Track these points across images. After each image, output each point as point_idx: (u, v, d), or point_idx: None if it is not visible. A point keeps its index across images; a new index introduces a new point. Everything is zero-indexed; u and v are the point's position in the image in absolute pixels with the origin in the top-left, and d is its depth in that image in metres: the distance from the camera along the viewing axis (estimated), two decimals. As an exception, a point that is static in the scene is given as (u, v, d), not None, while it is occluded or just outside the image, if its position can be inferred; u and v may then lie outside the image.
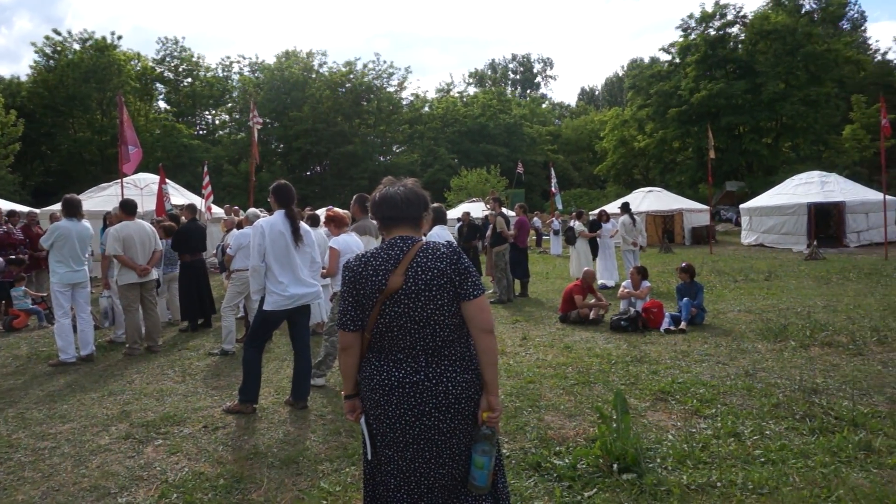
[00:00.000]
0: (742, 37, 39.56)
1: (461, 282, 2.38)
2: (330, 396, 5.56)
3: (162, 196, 13.78)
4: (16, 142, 33.32)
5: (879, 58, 45.61)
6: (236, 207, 14.88)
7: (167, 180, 14.77)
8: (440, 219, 5.86)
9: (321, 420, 4.91)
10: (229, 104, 53.41)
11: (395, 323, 2.33)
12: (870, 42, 49.82)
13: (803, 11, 39.55)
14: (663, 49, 44.06)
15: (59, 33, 43.42)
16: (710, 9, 39.83)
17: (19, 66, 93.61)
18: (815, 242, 18.45)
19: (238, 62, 54.18)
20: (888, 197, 19.43)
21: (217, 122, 55.10)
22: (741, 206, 25.45)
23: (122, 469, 4.03)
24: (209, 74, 52.61)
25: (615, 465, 3.81)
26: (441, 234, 5.64)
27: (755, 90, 36.54)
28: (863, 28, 50.85)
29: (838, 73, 37.33)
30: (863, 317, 8.42)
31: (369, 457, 2.44)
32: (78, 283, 7.11)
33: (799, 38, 35.76)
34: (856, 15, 50.96)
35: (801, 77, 35.68)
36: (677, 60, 41.92)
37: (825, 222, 22.46)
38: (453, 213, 23.25)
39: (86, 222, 7.47)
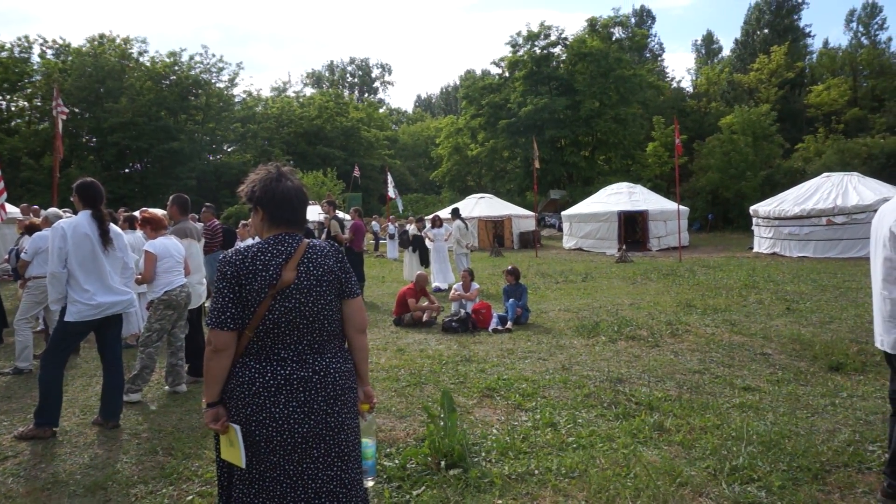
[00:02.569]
0: (563, 57, 42.94)
1: (346, 280, 2.48)
2: (146, 413, 5.13)
3: (-62, 192, 11.86)
4: None
5: (675, 85, 51.93)
6: (36, 207, 13.19)
7: (-54, 174, 12.75)
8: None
9: (135, 439, 4.52)
10: (29, 90, 47.11)
11: (283, 319, 2.28)
12: (667, 70, 56.57)
13: (614, 39, 43.91)
14: (494, 63, 46.56)
15: None
16: (535, 29, 42.81)
17: None
18: (623, 247, 20.50)
19: (39, 42, 47.80)
20: (681, 207, 22.22)
21: (14, 108, 48.33)
22: (563, 213, 27.57)
23: None
24: (4, 55, 46.05)
25: (443, 463, 3.93)
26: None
27: (575, 107, 39.88)
28: (661, 58, 57.63)
29: (642, 95, 41.93)
30: (660, 312, 9.50)
31: (243, 465, 2.27)
32: None
33: (611, 62, 39.64)
34: (655, 45, 57.71)
35: (612, 97, 39.55)
36: (507, 74, 44.46)
37: (632, 228, 25.06)
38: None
39: None
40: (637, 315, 9.32)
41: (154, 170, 46.23)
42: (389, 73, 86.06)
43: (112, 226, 4.67)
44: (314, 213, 22.91)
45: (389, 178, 22.36)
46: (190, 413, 5.11)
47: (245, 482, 2.31)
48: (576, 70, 41.37)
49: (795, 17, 49.62)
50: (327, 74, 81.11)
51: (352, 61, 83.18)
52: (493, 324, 8.55)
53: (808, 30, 50.63)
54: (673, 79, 54.82)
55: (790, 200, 19.43)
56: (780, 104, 40.58)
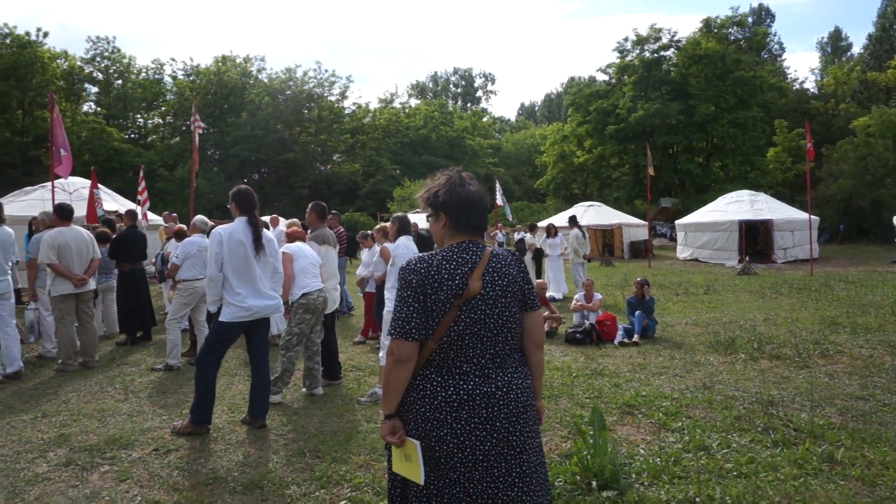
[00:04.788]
0: (676, 60, 41.18)
1: (529, 291, 2.37)
2: (289, 414, 5.29)
3: (93, 201, 13.01)
4: (-74, 140, 30.83)
5: (798, 86, 48.46)
6: (175, 214, 14.19)
7: (98, 185, 13.98)
8: (405, 229, 5.71)
9: (282, 440, 4.65)
10: (163, 108, 51.44)
11: (468, 331, 2.19)
12: (788, 71, 52.90)
13: (731, 39, 41.60)
14: (601, 70, 45.45)
15: (-26, 27, 40.68)
16: (644, 32, 41.40)
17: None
18: (747, 258, 19.25)
19: (170, 64, 52.16)
20: (812, 216, 20.58)
21: (150, 125, 52.94)
22: (677, 221, 26.33)
23: (65, 500, 3.66)
24: (141, 76, 50.59)
25: (594, 482, 3.75)
26: (408, 246, 5.48)
27: (688, 111, 38.06)
28: (781, 58, 54.04)
29: (763, 98, 39.35)
30: (801, 330, 8.76)
31: (420, 482, 2.20)
32: (1, 294, 6.52)
33: (728, 63, 37.52)
34: (775, 45, 54.19)
35: (729, 101, 37.40)
36: (614, 81, 43.26)
37: (754, 239, 23.51)
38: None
39: (7, 228, 6.83)
40: (776, 332, 8.65)
41: (271, 179, 48.90)
42: (492, 83, 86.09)
43: (265, 231, 4.86)
44: (422, 221, 23.23)
45: (498, 186, 22.22)
46: (330, 416, 5.21)
47: (422, 498, 2.24)
48: (689, 73, 39.50)
49: (942, 7, 44.92)
50: (431, 85, 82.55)
51: (455, 71, 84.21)
52: (619, 336, 8.21)
53: (957, 21, 45.63)
54: (795, 80, 51.30)
55: (943, 209, 17.47)
56: (925, 104, 36.76)
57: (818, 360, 6.99)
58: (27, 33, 41.41)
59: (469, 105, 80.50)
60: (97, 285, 8.55)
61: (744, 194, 24.37)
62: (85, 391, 6.05)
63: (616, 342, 8.14)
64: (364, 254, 8.64)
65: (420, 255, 2.29)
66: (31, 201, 15.14)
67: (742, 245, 21.59)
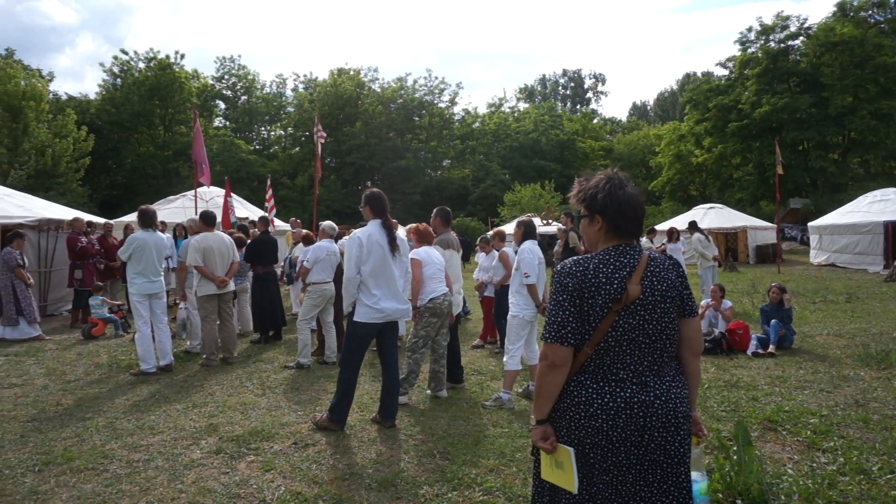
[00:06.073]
0: (805, 49, 38.18)
1: (687, 297, 2.28)
2: (416, 415, 5.40)
3: (227, 209, 14.00)
4: (86, 156, 34.63)
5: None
6: (299, 221, 15.01)
7: (231, 193, 15.02)
8: (531, 233, 5.68)
9: (412, 440, 4.75)
10: (284, 120, 54.62)
11: (626, 336, 2.13)
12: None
13: (871, 22, 37.95)
14: (720, 64, 43.03)
15: (125, 53, 45.21)
16: (769, 21, 38.70)
17: (83, 84, 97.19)
18: (895, 263, 17.47)
19: (294, 78, 55.32)
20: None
21: (272, 136, 56.40)
22: (810, 224, 24.38)
23: (219, 486, 3.94)
24: (264, 91, 54.04)
25: (739, 501, 3.54)
26: (533, 250, 5.44)
27: (821, 104, 35.11)
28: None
29: (911, 85, 35.60)
30: (970, 344, 7.82)
31: (574, 490, 2.15)
32: (155, 294, 7.14)
33: (868, 49, 34.30)
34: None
35: (870, 90, 34.13)
36: (735, 75, 40.78)
37: (901, 242, 21.30)
38: (509, 228, 22.92)
39: (161, 234, 7.50)
40: (938, 345, 7.77)
41: (383, 186, 50.35)
42: (603, 83, 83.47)
43: (397, 233, 5.01)
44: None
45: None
46: (456, 419, 5.26)
47: (573, 503, 2.20)
48: (822, 62, 36.43)
49: None
50: (539, 88, 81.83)
51: (564, 73, 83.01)
52: (753, 346, 7.71)
53: None
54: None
55: None
56: None
57: None
58: (167, 56, 45.51)
59: (579, 107, 79.04)
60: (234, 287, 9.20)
61: (889, 192, 22.10)
62: (227, 385, 6.50)
63: (749, 352, 7.66)
64: (482, 258, 8.68)
65: (576, 258, 2.24)
66: (173, 209, 16.60)
67: (889, 249, 19.59)
